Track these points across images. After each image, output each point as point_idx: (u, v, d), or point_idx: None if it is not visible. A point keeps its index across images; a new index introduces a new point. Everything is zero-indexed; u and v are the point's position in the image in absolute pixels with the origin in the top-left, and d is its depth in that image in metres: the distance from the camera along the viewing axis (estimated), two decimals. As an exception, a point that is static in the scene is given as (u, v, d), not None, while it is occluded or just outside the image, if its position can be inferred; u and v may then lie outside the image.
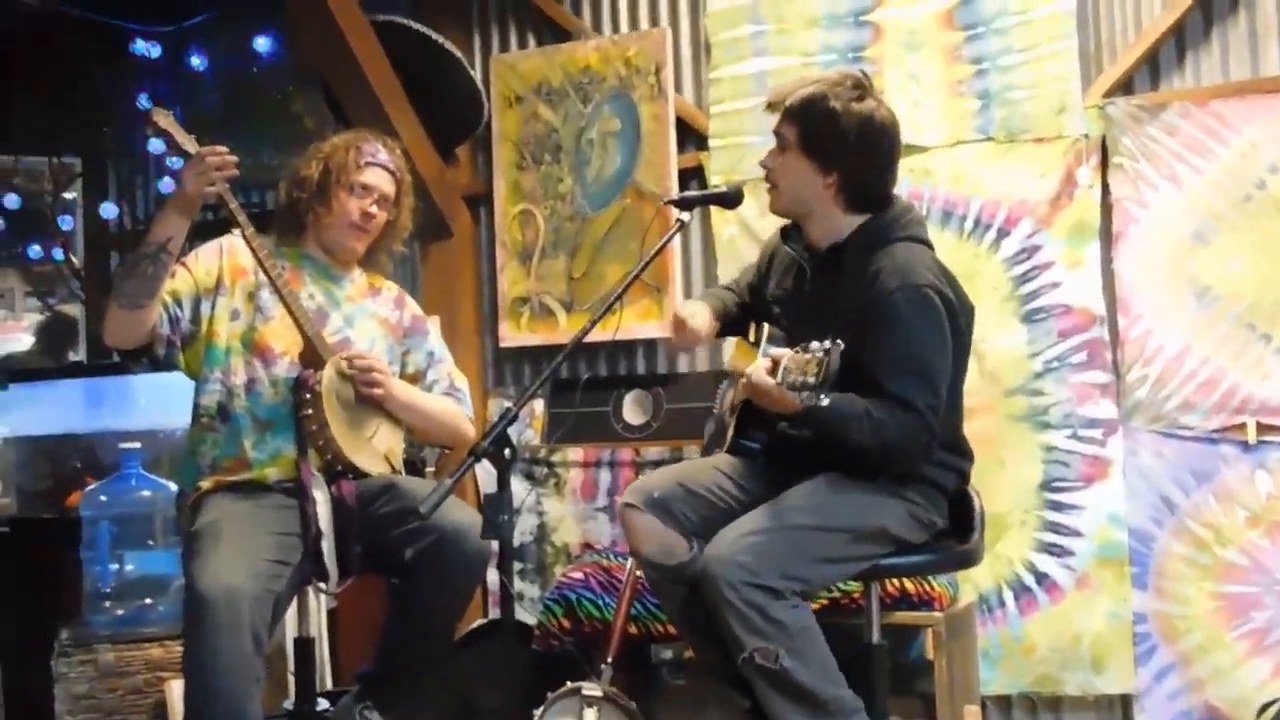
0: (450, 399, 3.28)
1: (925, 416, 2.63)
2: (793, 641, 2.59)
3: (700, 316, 2.99)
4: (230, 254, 3.10)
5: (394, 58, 4.38)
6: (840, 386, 2.41)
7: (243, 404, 3.02)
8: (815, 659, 2.62)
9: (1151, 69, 3.76)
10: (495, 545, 2.66)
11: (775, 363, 2.47)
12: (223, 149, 2.84)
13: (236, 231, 3.02)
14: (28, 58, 5.33)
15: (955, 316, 2.74)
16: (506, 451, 2.40)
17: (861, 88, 2.79)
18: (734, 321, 3.11)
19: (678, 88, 4.35)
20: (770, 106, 2.86)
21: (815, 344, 2.38)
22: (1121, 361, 3.71)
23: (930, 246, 2.87)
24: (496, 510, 2.34)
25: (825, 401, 2.37)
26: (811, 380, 2.35)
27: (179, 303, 3.00)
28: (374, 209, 3.15)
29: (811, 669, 2.61)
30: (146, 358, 3.02)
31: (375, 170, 3.16)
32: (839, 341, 2.35)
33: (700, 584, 2.67)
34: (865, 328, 2.61)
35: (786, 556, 2.62)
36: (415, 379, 3.27)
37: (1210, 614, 3.60)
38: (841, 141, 2.73)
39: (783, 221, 3.00)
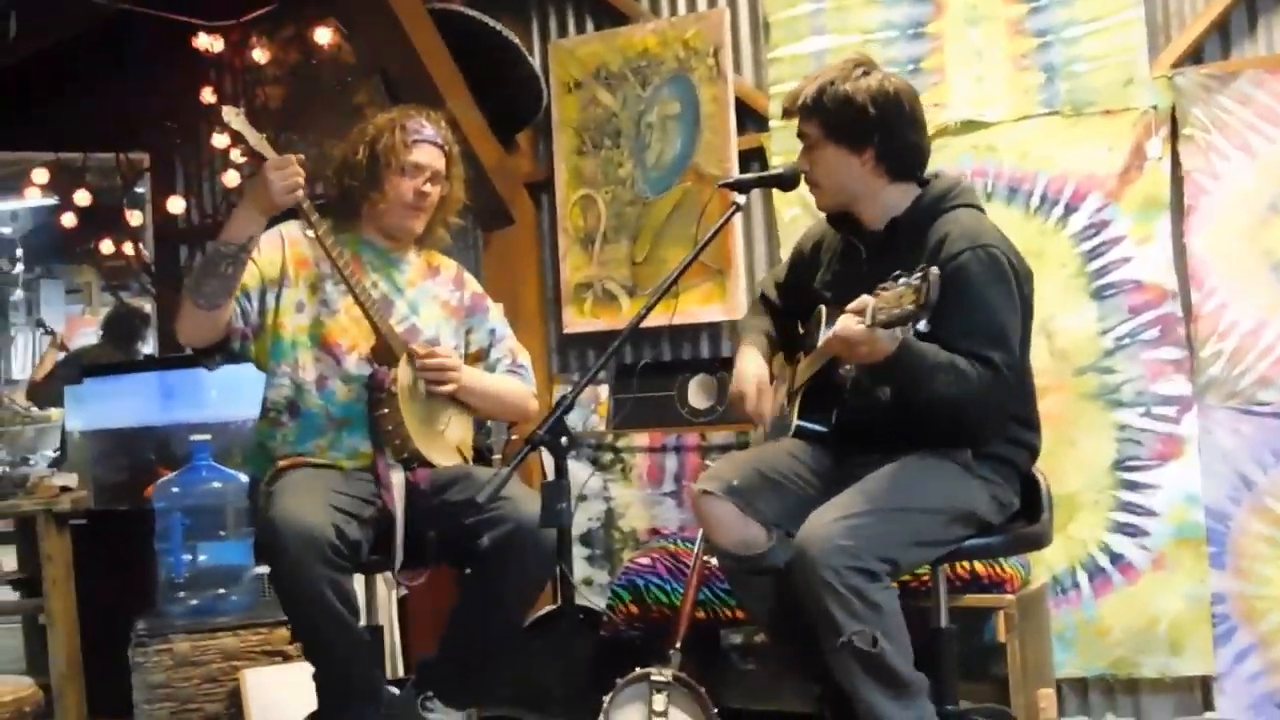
0: (514, 376, 3.28)
1: (1003, 374, 2.62)
2: (886, 624, 2.56)
3: (762, 384, 2.97)
4: (292, 244, 3.08)
5: (452, 46, 4.39)
6: None
7: (315, 401, 3.02)
8: (902, 641, 2.60)
9: (1222, 37, 3.67)
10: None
11: (861, 310, 2.45)
12: (295, 162, 2.82)
13: (294, 225, 3.03)
14: (94, 56, 5.39)
15: (1020, 280, 2.73)
16: (564, 439, 2.38)
17: (865, 65, 2.81)
18: (773, 348, 3.08)
19: (737, 69, 4.32)
20: (786, 114, 2.89)
21: (905, 276, 2.36)
22: (1195, 337, 3.64)
23: (983, 212, 2.85)
24: (555, 498, 2.33)
25: (924, 327, 2.35)
26: (909, 309, 2.33)
27: (247, 295, 2.99)
28: (427, 187, 3.11)
29: (900, 651, 2.59)
30: (221, 353, 3.03)
31: (424, 148, 3.11)
32: (934, 268, 2.32)
33: (795, 568, 2.62)
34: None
35: (884, 539, 2.59)
36: (478, 357, 3.26)
37: (1291, 594, 3.53)
38: (862, 116, 2.74)
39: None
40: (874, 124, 2.74)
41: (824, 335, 2.79)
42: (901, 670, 2.58)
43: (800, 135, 2.85)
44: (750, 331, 3.12)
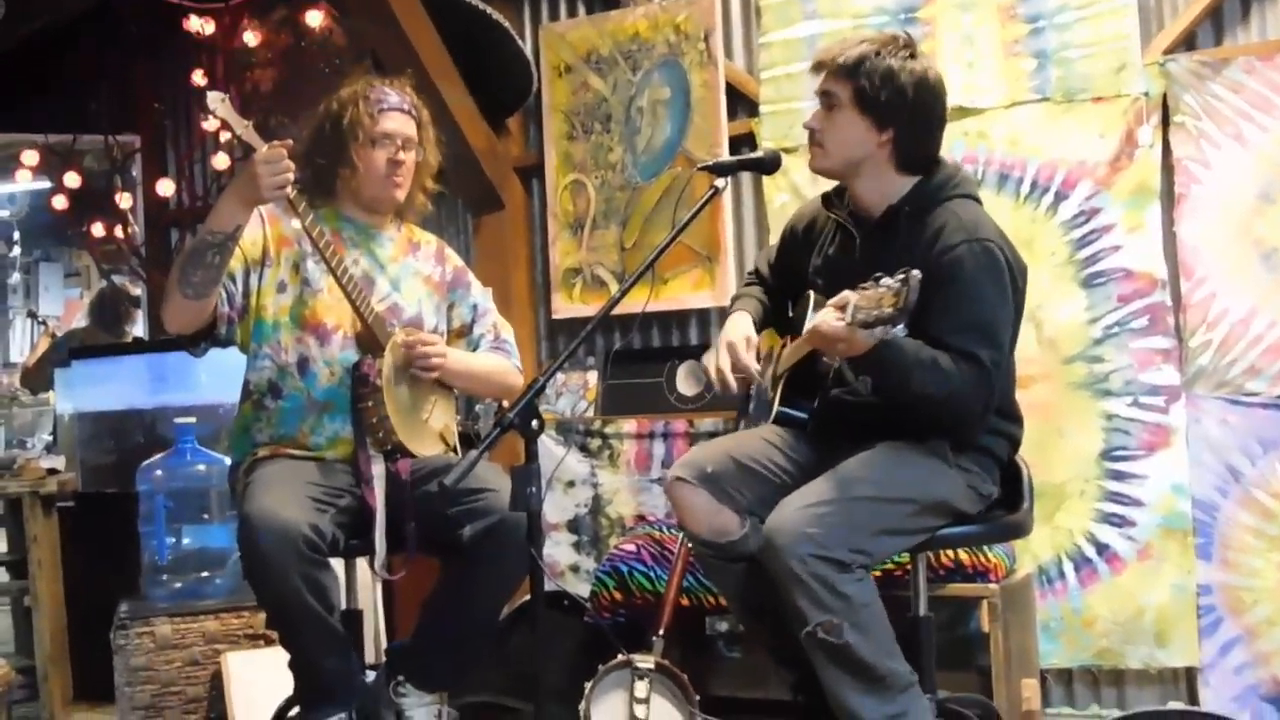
0: (498, 353, 3.25)
1: (989, 371, 2.58)
2: (857, 615, 2.54)
3: (749, 341, 2.91)
4: (272, 223, 3.03)
5: (443, 30, 4.37)
6: None
7: (297, 384, 2.98)
8: (877, 633, 2.57)
9: (1214, 23, 3.65)
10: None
11: (842, 306, 2.42)
12: (285, 156, 2.76)
13: (275, 208, 2.99)
14: (83, 38, 5.38)
15: (1014, 275, 2.70)
16: (534, 423, 2.35)
17: (911, 47, 2.74)
18: (766, 317, 3.05)
19: (728, 53, 4.29)
20: (817, 66, 2.79)
21: (886, 278, 2.33)
22: (1184, 326, 3.61)
23: (980, 203, 2.81)
24: (524, 483, 2.30)
25: (903, 331, 2.33)
26: (888, 311, 2.31)
27: (232, 277, 2.94)
28: (401, 155, 3.05)
29: (872, 644, 2.56)
30: (208, 340, 2.99)
31: (391, 115, 3.04)
32: (915, 271, 2.29)
33: (763, 556, 2.61)
34: (929, 284, 2.54)
35: (852, 528, 2.56)
36: (461, 333, 3.23)
37: (1278, 586, 3.50)
38: (899, 97, 2.67)
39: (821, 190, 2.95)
40: (905, 108, 2.68)
41: (810, 322, 2.77)
42: (875, 663, 2.55)
43: (823, 93, 2.76)
44: (742, 298, 3.08)
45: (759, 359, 2.95)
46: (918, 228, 2.71)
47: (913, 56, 2.71)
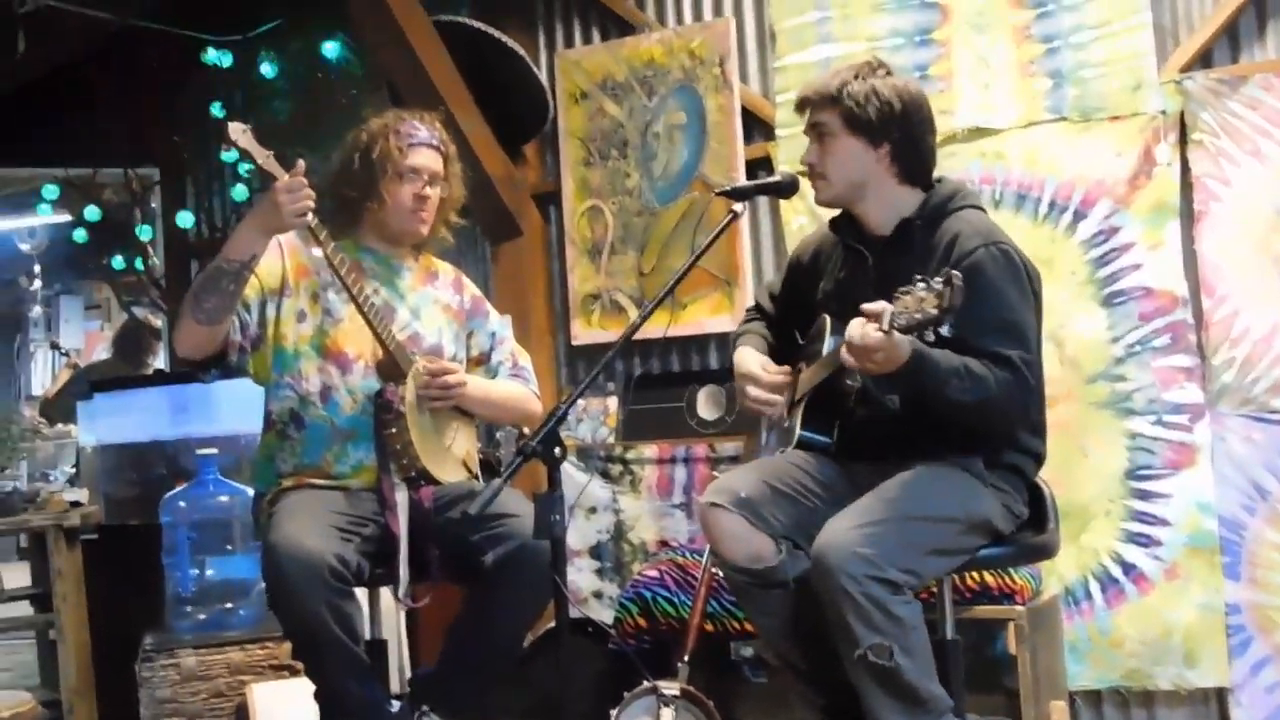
0: (517, 380, 3.26)
1: (1022, 371, 2.58)
2: (906, 639, 2.51)
3: (766, 365, 2.94)
4: (291, 253, 3.05)
5: (458, 58, 4.39)
6: None
7: (319, 412, 2.99)
8: (922, 657, 2.55)
9: (1231, 41, 3.64)
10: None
11: (877, 315, 2.37)
12: (306, 185, 2.78)
13: (293, 233, 3.01)
14: (103, 72, 5.42)
15: (1031, 279, 2.71)
16: (557, 450, 2.35)
17: (883, 66, 2.81)
18: (770, 351, 3.05)
19: (743, 78, 4.30)
20: (801, 104, 2.84)
21: (923, 281, 2.32)
22: (1207, 344, 3.60)
23: (987, 215, 2.84)
24: (547, 510, 2.30)
25: (949, 332, 2.33)
26: (933, 313, 2.29)
27: (247, 307, 2.96)
28: (427, 190, 3.07)
29: (919, 666, 2.54)
30: (218, 367, 3.00)
31: (420, 150, 3.07)
32: (956, 271, 2.28)
33: (813, 577, 2.57)
34: None
35: (904, 549, 2.54)
36: (479, 361, 3.25)
37: (1307, 604, 3.48)
38: (888, 110, 2.72)
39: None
40: (897, 120, 2.73)
41: (829, 345, 2.76)
42: (920, 688, 2.53)
43: (814, 125, 2.80)
44: (744, 334, 3.10)
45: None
46: (930, 239, 2.73)
47: (889, 74, 2.78)
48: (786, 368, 2.96)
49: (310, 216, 2.80)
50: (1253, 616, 3.54)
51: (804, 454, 2.86)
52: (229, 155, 5.25)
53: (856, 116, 2.73)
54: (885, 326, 2.36)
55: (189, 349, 2.93)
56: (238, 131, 2.84)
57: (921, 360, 2.47)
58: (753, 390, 2.91)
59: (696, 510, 3.17)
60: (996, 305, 2.61)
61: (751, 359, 2.96)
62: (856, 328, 2.45)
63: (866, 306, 2.42)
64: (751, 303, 3.23)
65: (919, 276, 2.36)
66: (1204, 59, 3.66)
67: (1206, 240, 3.60)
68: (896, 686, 2.52)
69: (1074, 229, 3.75)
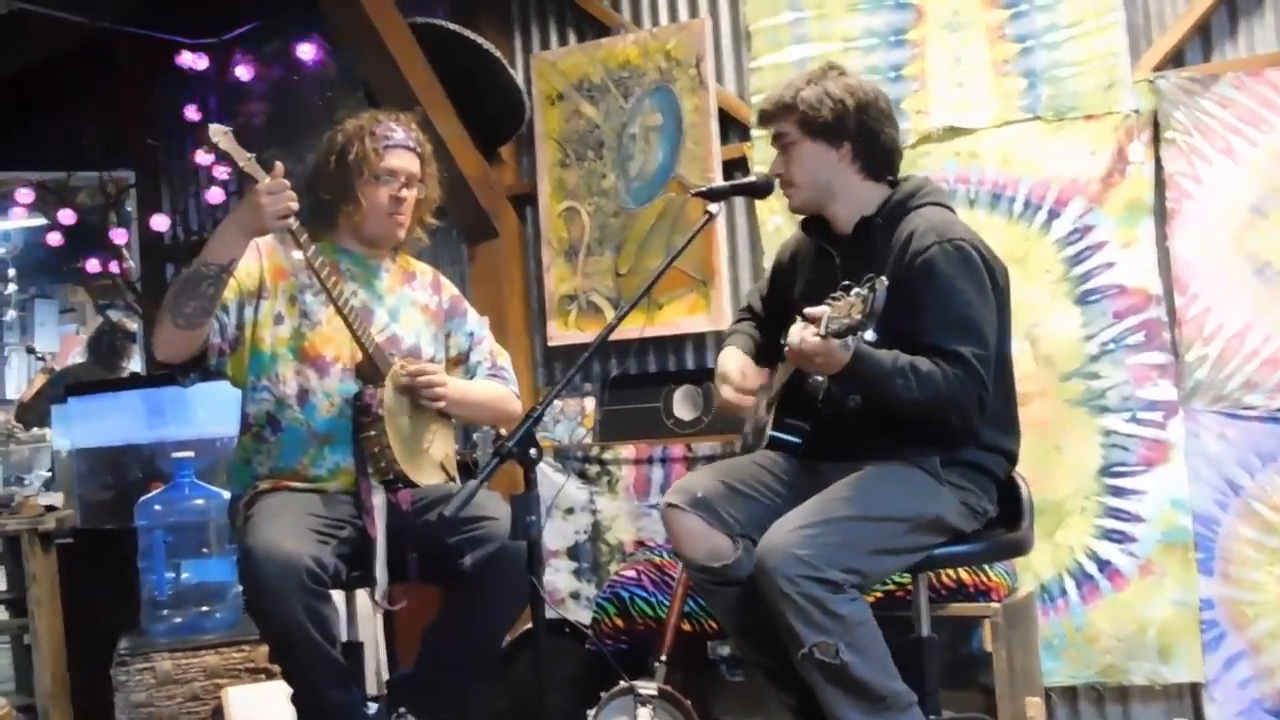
0: (496, 380, 3.25)
1: (973, 366, 2.59)
2: (852, 635, 2.54)
3: (745, 368, 2.96)
4: (269, 255, 3.03)
5: (434, 60, 4.39)
6: None
7: (296, 415, 2.97)
8: (873, 653, 2.57)
9: (1203, 40, 3.67)
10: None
11: (816, 319, 2.44)
12: (288, 186, 2.76)
13: (271, 236, 2.99)
14: (76, 75, 5.40)
15: (993, 274, 2.72)
16: (533, 450, 2.35)
17: (837, 68, 2.85)
18: (757, 351, 3.06)
19: (719, 78, 4.31)
20: (761, 117, 2.90)
21: (855, 287, 2.37)
22: (1180, 341, 3.62)
23: (953, 211, 2.85)
24: (524, 511, 2.30)
25: (872, 337, 2.36)
26: (857, 319, 2.33)
27: (225, 309, 2.94)
28: (403, 192, 3.05)
29: (870, 663, 2.56)
30: (196, 370, 2.98)
31: (396, 152, 3.04)
32: (882, 277, 2.32)
33: (755, 579, 2.61)
34: (905, 290, 2.57)
35: (844, 549, 2.56)
36: (458, 361, 3.23)
37: (1280, 599, 3.50)
38: (841, 110, 2.76)
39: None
40: (852, 118, 2.77)
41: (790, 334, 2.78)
42: (873, 683, 2.55)
43: (776, 136, 2.85)
44: (732, 335, 3.11)
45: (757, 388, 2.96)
46: (889, 236, 2.75)
47: (841, 74, 2.83)
48: (766, 370, 2.98)
49: (292, 219, 2.79)
50: (1226, 612, 3.56)
51: (772, 454, 2.89)
52: (205, 158, 5.23)
53: (812, 120, 2.78)
54: (821, 331, 2.42)
55: (168, 353, 2.90)
56: (219, 134, 2.82)
57: (861, 361, 2.51)
58: (725, 391, 2.94)
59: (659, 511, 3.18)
60: (949, 301, 2.63)
61: (732, 360, 2.98)
62: (795, 332, 2.52)
63: (808, 311, 2.48)
64: (743, 304, 3.24)
65: (847, 282, 2.41)
66: (1176, 58, 3.68)
67: (1180, 238, 3.62)
68: (848, 683, 2.54)
69: (1048, 228, 3.76)
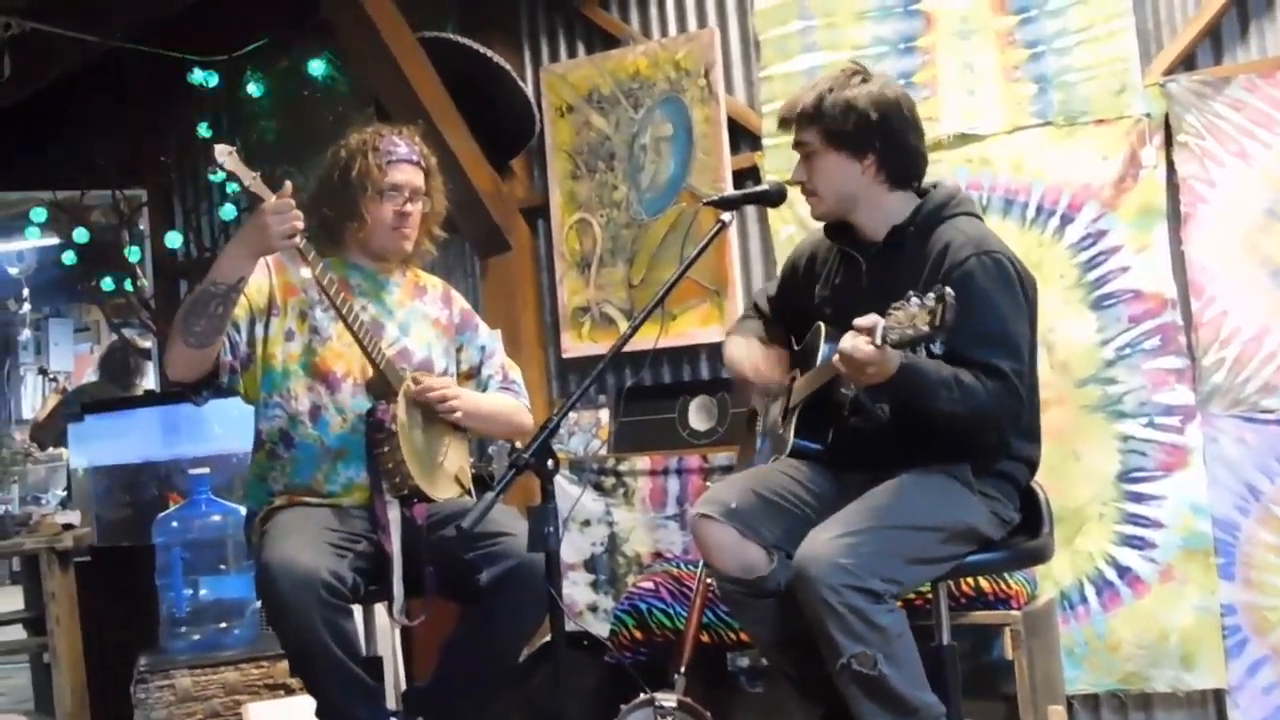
0: (507, 393, 3.25)
1: (1012, 382, 2.57)
2: (890, 647, 2.51)
3: (761, 358, 2.95)
4: (279, 271, 3.04)
5: (444, 74, 4.40)
6: None
7: (309, 432, 2.98)
8: (909, 665, 2.55)
9: (1214, 43, 3.65)
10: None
11: (870, 329, 2.39)
12: (294, 205, 2.77)
13: (283, 256, 3.00)
14: (89, 95, 5.42)
15: (1025, 287, 2.70)
16: (549, 462, 2.34)
17: (861, 72, 2.79)
18: (764, 341, 3.05)
19: (729, 88, 4.31)
20: (783, 124, 2.86)
21: (916, 296, 2.33)
22: (1196, 345, 3.60)
23: (983, 221, 2.84)
24: (542, 522, 2.29)
25: (940, 349, 2.33)
26: (924, 329, 2.29)
27: (236, 327, 2.95)
28: (408, 206, 3.06)
29: (905, 675, 2.54)
30: (209, 388, 2.98)
31: (400, 167, 3.05)
32: (948, 288, 2.28)
33: (794, 588, 2.58)
34: None
35: (884, 558, 2.54)
36: (469, 375, 3.23)
37: (1303, 604, 3.48)
38: (864, 121, 2.71)
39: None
40: (876, 129, 2.72)
41: (824, 353, 2.76)
42: (908, 695, 2.53)
43: (798, 144, 2.81)
44: (739, 327, 3.11)
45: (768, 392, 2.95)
46: (923, 246, 2.72)
47: (865, 80, 2.76)
48: (778, 406, 2.97)
49: (298, 238, 2.79)
50: (1248, 617, 3.54)
51: (797, 463, 2.86)
52: (216, 175, 5.25)
53: (836, 132, 2.73)
54: (877, 341, 2.37)
55: (181, 372, 2.91)
56: (224, 154, 2.83)
57: (910, 372, 2.48)
58: (744, 374, 2.94)
59: (688, 522, 3.17)
60: (988, 316, 2.60)
61: (741, 345, 2.98)
62: (849, 340, 2.46)
63: (859, 321, 2.43)
64: (749, 304, 3.23)
65: (912, 292, 2.35)
66: (1187, 61, 3.67)
67: (1194, 242, 3.60)
68: (884, 695, 2.52)
69: (1062, 233, 3.75)
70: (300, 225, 2.78)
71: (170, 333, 2.90)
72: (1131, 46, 3.67)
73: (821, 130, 2.75)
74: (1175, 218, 3.64)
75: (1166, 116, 3.63)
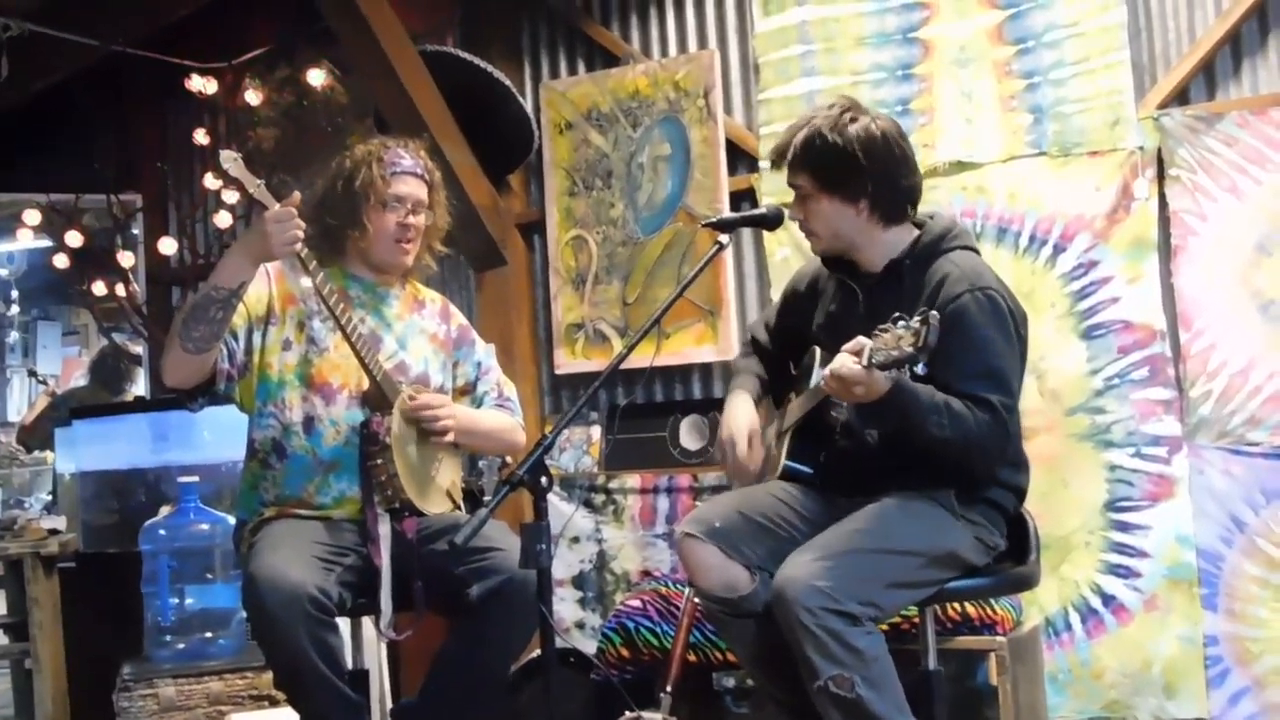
0: (503, 410, 3.26)
1: (1001, 415, 2.61)
2: (868, 670, 2.53)
3: (754, 434, 2.93)
4: (278, 280, 3.04)
5: (445, 87, 4.41)
6: None
7: (302, 443, 2.97)
8: (888, 688, 2.56)
9: (1207, 78, 3.69)
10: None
11: (858, 350, 2.44)
12: (296, 214, 2.78)
13: (283, 265, 3.01)
14: (86, 99, 5.41)
15: (1017, 323, 2.74)
16: (544, 479, 2.35)
17: (849, 109, 2.78)
18: (765, 390, 3.06)
19: (727, 110, 4.34)
20: (775, 164, 2.86)
21: (903, 319, 2.37)
22: (1184, 377, 3.63)
23: (979, 254, 2.85)
24: (534, 540, 2.30)
25: (922, 371, 2.36)
26: (908, 351, 2.33)
27: (234, 334, 2.94)
28: (410, 219, 3.06)
29: (884, 698, 2.55)
30: (205, 395, 2.98)
31: (404, 179, 3.06)
32: (934, 311, 2.32)
33: (773, 609, 2.60)
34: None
35: (862, 581, 2.56)
36: (465, 390, 3.24)
37: (1285, 636, 3.51)
38: (854, 167, 2.72)
39: None
40: (865, 173, 2.72)
41: (816, 377, 2.78)
42: (887, 718, 2.55)
43: (792, 185, 2.83)
44: (741, 374, 3.10)
45: (762, 437, 2.96)
46: (919, 279, 2.75)
47: (855, 118, 2.74)
48: (772, 430, 2.98)
49: (300, 246, 2.80)
50: (1231, 648, 3.57)
51: (788, 485, 2.88)
52: (212, 182, 5.24)
53: (826, 178, 2.75)
54: (864, 362, 2.41)
55: (178, 378, 2.90)
56: (229, 160, 2.83)
57: (901, 393, 2.51)
58: (730, 455, 2.91)
59: (674, 540, 3.18)
60: (980, 351, 2.64)
61: (742, 417, 2.94)
62: (837, 360, 2.51)
63: (848, 345, 2.48)
64: (747, 336, 3.24)
65: (897, 315, 2.40)
66: (1181, 96, 3.71)
67: (1184, 274, 3.64)
68: (863, 718, 2.53)
69: (1054, 262, 3.79)
70: (301, 234, 2.78)
71: (167, 338, 2.89)
72: (1126, 80, 3.71)
73: (813, 175, 2.76)
74: (1166, 250, 3.67)
75: (1160, 150, 3.67)
